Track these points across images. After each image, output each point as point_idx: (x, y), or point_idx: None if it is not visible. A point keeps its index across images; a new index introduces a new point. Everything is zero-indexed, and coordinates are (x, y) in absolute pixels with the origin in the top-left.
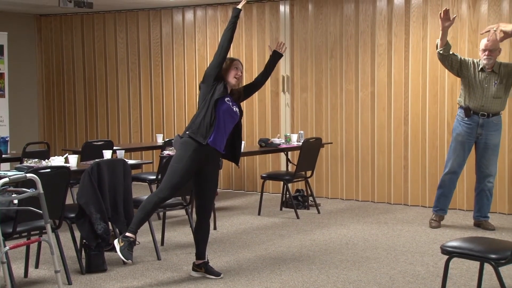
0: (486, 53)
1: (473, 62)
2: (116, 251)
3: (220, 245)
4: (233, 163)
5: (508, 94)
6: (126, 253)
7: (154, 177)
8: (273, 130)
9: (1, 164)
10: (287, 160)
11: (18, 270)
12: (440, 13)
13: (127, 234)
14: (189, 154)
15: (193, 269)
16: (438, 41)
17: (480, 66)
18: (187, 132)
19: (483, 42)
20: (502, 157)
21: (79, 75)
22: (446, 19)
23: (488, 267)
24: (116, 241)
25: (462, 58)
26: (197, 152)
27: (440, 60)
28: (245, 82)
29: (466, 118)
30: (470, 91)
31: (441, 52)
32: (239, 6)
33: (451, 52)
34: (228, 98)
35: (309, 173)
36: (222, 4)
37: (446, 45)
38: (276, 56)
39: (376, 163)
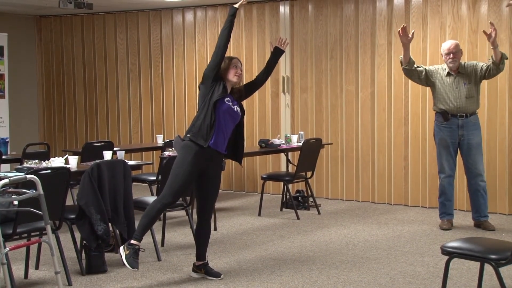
0: (451, 55)
1: (437, 68)
2: (117, 253)
3: (220, 246)
4: (235, 163)
5: (479, 92)
6: (131, 261)
7: (154, 178)
8: (273, 130)
9: (1, 165)
10: (287, 160)
11: (18, 271)
12: (399, 31)
13: (132, 241)
14: (190, 158)
15: (193, 270)
16: (401, 58)
17: (446, 71)
18: (188, 135)
19: (446, 46)
20: (502, 157)
21: (79, 75)
22: (405, 35)
23: (488, 268)
24: (121, 249)
25: (427, 68)
26: (199, 156)
27: (407, 76)
28: (245, 83)
29: (445, 122)
30: (444, 96)
31: (406, 68)
32: (236, 5)
33: (415, 66)
34: (228, 98)
35: (309, 173)
36: (222, 5)
37: (409, 61)
38: (277, 53)
39: (376, 163)
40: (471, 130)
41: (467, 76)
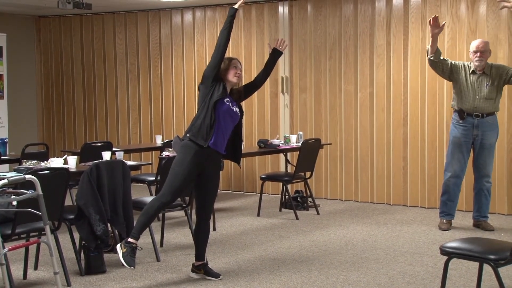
0: (478, 54)
1: (464, 65)
2: (116, 253)
3: (220, 246)
4: (234, 163)
5: (500, 95)
6: (128, 259)
7: (153, 178)
8: (272, 131)
9: (0, 165)
10: (286, 161)
11: (17, 271)
12: (430, 20)
13: (130, 239)
14: (190, 158)
15: (193, 271)
16: (428, 47)
17: (472, 69)
18: (187, 135)
19: (474, 44)
20: (501, 157)
21: (78, 76)
22: (436, 26)
23: (487, 268)
24: (118, 247)
25: (453, 62)
26: (198, 155)
27: (431, 66)
28: (244, 83)
29: (461, 121)
30: (462, 94)
31: (431, 58)
32: (236, 6)
33: (441, 58)
34: (228, 99)
35: (308, 174)
36: (221, 5)
37: (436, 52)
38: (276, 54)
39: (375, 164)
40: (486, 130)
41: (491, 77)
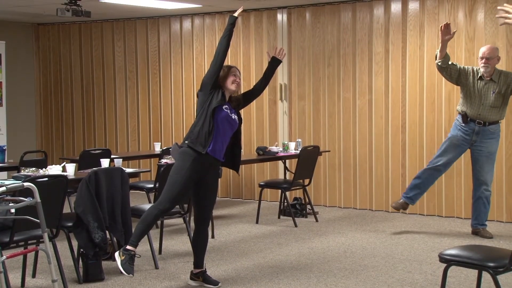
0: (483, 61)
1: (473, 70)
2: (114, 261)
3: (218, 254)
4: (232, 171)
5: (506, 104)
6: (127, 267)
7: (152, 185)
8: (271, 138)
9: None
10: (285, 168)
11: (15, 279)
12: (441, 26)
13: (128, 247)
14: (188, 165)
15: (191, 278)
16: (437, 52)
17: (479, 74)
18: (186, 142)
19: (481, 50)
20: (499, 164)
21: (77, 83)
22: (447, 32)
23: (486, 275)
24: (116, 254)
25: (461, 67)
26: (197, 162)
27: (439, 71)
28: (243, 90)
29: (463, 124)
30: (468, 99)
31: (439, 63)
32: (236, 14)
33: (450, 62)
34: (226, 106)
35: (307, 181)
36: (219, 13)
37: (445, 57)
38: (274, 63)
39: (374, 171)
40: (486, 138)
41: (498, 85)
